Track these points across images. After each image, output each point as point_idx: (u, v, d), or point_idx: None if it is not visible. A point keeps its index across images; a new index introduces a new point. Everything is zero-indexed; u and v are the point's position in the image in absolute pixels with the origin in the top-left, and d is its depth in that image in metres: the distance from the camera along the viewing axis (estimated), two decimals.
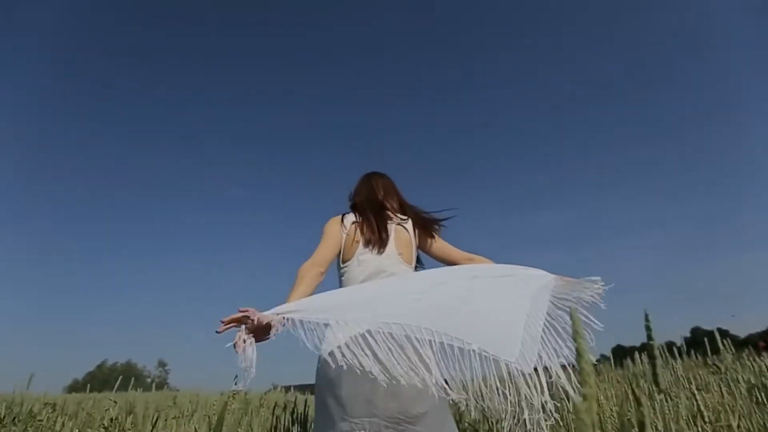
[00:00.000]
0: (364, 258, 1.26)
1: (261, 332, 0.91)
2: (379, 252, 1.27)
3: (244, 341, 0.89)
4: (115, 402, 2.63)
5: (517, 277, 1.14)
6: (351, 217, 1.35)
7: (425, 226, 1.39)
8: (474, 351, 0.89)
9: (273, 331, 0.91)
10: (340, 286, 1.27)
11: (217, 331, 0.91)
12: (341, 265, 1.29)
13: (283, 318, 0.93)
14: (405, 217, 1.40)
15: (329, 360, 0.88)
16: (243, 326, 0.91)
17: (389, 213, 1.38)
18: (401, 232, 1.35)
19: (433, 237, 1.39)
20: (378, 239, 1.28)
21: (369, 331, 0.88)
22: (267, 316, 0.92)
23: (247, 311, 0.91)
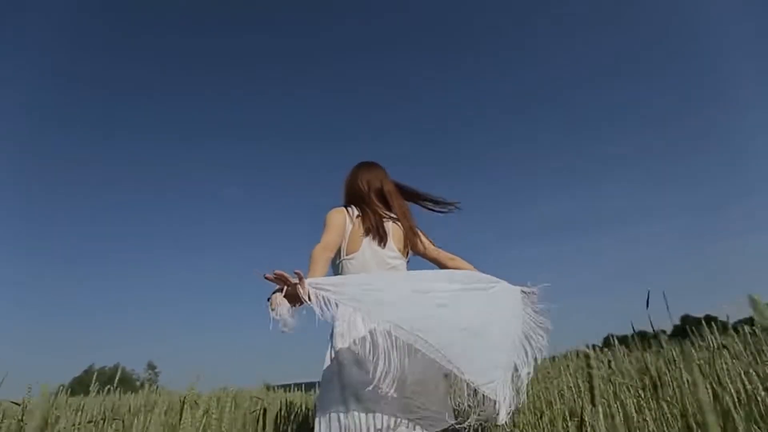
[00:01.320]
0: (371, 249, 1.36)
1: (298, 298, 0.98)
2: (381, 245, 1.37)
3: (279, 303, 0.97)
4: (18, 404, 2.11)
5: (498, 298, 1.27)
6: (353, 210, 1.42)
7: (411, 227, 1.48)
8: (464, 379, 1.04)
9: (306, 300, 0.98)
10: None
11: (265, 276, 0.97)
12: (346, 256, 1.36)
13: (317, 293, 0.99)
14: (394, 216, 1.48)
15: (353, 347, 1.08)
16: (284, 288, 0.98)
17: (378, 211, 1.45)
18: (395, 228, 1.45)
19: (419, 238, 1.49)
20: (377, 233, 1.38)
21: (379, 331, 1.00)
22: (309, 286, 1.00)
23: (300, 275, 0.97)
